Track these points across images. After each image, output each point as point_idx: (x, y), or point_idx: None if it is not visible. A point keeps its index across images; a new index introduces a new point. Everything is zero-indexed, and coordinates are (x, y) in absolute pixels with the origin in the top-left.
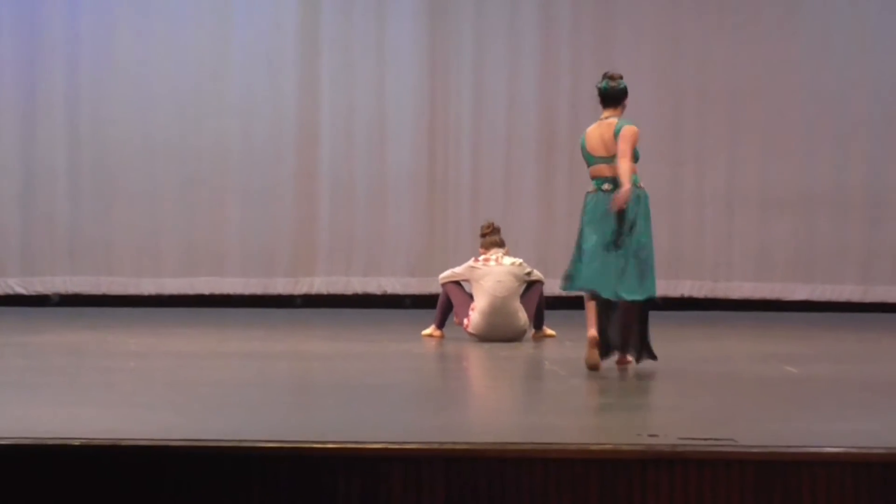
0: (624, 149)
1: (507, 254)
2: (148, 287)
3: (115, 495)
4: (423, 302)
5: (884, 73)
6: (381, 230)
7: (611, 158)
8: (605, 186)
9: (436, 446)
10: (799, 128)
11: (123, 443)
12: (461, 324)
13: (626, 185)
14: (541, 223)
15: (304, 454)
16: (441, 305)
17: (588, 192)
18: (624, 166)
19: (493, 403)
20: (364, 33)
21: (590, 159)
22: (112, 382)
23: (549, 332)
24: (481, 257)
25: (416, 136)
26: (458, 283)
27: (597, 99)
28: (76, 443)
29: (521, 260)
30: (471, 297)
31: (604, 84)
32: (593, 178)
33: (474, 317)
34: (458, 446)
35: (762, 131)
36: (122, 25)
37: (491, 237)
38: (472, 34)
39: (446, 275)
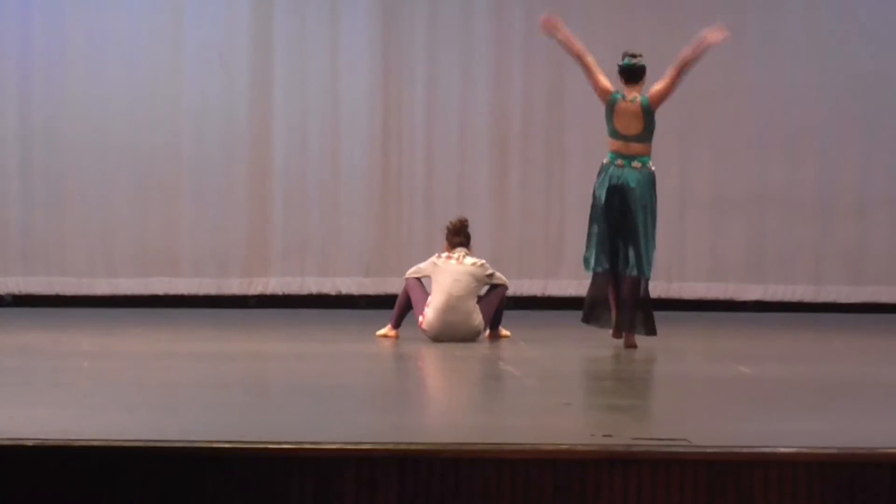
0: (665, 79)
1: (469, 253)
2: (102, 287)
3: (68, 496)
4: (377, 302)
5: (834, 74)
6: (336, 231)
7: (637, 136)
8: (619, 162)
9: (389, 446)
10: (750, 129)
11: (77, 443)
12: (420, 321)
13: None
14: (494, 224)
15: (258, 454)
16: (400, 303)
17: (603, 162)
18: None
19: (448, 403)
20: (317, 34)
21: (615, 134)
22: (65, 382)
23: (505, 332)
24: (444, 254)
25: (369, 136)
26: (419, 280)
27: (545, 103)
28: (29, 443)
29: (483, 261)
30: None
31: (626, 61)
32: (612, 150)
33: (428, 313)
34: (411, 446)
35: (713, 132)
36: (73, 25)
37: (456, 235)
38: (425, 35)
39: (412, 271)
